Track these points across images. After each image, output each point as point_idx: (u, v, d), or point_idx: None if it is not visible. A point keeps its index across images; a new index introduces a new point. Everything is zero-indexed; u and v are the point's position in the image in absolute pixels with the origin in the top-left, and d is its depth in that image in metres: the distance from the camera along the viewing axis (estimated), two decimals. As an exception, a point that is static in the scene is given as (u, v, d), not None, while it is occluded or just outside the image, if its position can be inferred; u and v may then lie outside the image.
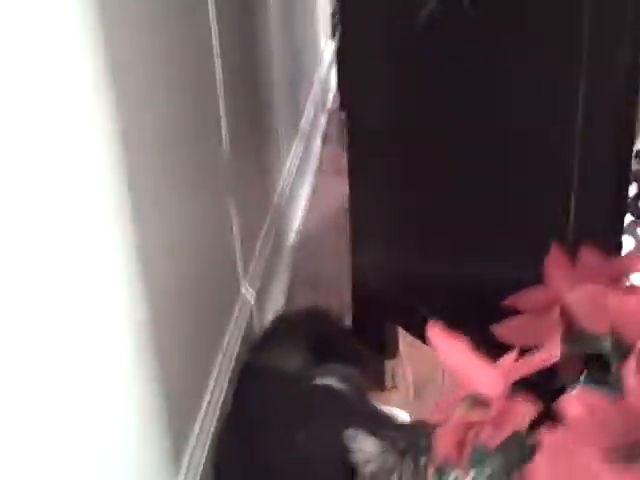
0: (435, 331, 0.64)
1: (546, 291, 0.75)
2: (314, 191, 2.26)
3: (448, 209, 1.20)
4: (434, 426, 0.87)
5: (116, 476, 0.72)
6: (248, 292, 1.36)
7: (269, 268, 1.48)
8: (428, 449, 0.87)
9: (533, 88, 0.99)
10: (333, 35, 3.74)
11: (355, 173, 1.33)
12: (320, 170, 2.44)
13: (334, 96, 3.10)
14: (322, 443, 1.05)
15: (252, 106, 1.41)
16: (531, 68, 0.98)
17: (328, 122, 2.86)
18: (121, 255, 0.70)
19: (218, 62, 1.00)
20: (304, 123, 2.26)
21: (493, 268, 1.19)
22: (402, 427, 0.96)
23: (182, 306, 0.92)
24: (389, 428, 0.95)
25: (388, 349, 1.40)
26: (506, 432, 0.57)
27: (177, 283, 0.89)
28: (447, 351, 0.64)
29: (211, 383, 1.07)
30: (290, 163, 1.94)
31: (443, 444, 0.64)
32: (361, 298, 1.40)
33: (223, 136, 1.11)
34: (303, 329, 1.29)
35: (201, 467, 1.02)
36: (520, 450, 0.61)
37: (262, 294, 1.40)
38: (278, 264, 1.60)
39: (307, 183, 2.19)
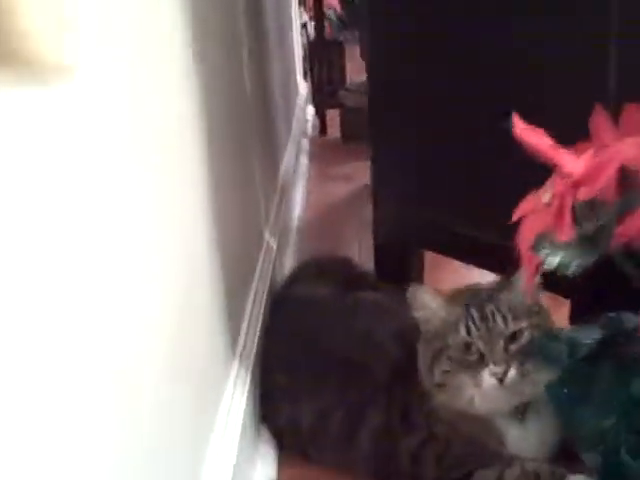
0: (520, 125, 0.70)
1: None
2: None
3: (468, 159, 1.23)
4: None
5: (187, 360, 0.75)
6: (270, 239, 1.42)
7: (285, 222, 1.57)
8: (492, 300, 0.91)
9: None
10: (305, 76, 3.97)
11: (375, 126, 1.39)
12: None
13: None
14: (375, 323, 1.08)
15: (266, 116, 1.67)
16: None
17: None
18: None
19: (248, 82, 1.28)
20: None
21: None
22: (460, 289, 0.97)
23: (229, 243, 1.01)
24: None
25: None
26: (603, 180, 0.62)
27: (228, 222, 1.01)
28: (533, 139, 0.69)
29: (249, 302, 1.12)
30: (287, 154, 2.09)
31: (530, 229, 0.68)
32: (382, 248, 1.45)
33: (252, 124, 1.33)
34: (329, 269, 1.32)
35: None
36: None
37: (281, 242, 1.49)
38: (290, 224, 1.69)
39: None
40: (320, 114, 3.39)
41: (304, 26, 4.31)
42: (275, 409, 1.07)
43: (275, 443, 1.07)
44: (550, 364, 0.79)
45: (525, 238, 0.70)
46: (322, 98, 3.42)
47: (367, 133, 1.52)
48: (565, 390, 0.78)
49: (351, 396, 1.00)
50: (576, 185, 0.66)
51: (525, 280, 0.73)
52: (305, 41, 4.12)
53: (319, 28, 3.37)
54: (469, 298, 0.93)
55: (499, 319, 0.89)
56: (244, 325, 1.08)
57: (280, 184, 1.84)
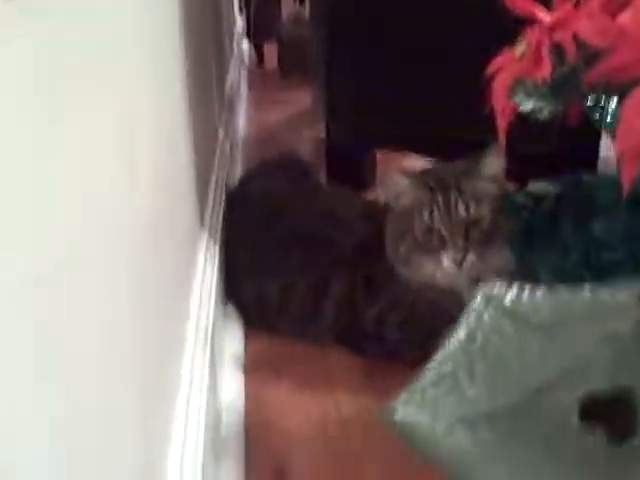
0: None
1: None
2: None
3: (417, 73, 1.29)
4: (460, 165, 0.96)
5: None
6: (224, 138, 1.44)
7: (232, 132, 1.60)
8: (457, 186, 0.95)
9: None
10: (241, 11, 3.93)
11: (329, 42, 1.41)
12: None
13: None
14: (339, 202, 1.11)
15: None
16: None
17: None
18: None
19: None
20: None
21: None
22: (429, 170, 1.01)
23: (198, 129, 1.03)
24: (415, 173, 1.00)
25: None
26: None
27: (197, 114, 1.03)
28: None
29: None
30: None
31: (504, 80, 0.72)
32: (334, 150, 1.48)
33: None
34: (281, 167, 1.33)
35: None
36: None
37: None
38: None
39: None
40: (257, 46, 3.38)
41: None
42: (240, 286, 1.09)
43: (242, 319, 1.09)
44: (513, 217, 0.84)
45: (499, 88, 0.74)
46: (258, 31, 3.40)
47: (307, 64, 1.55)
48: (528, 246, 0.83)
49: (315, 269, 1.03)
50: (552, 29, 0.70)
51: (499, 130, 0.77)
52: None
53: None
54: (436, 182, 0.96)
55: (461, 206, 0.93)
56: (209, 201, 1.09)
57: (227, 93, 1.86)
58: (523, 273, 0.86)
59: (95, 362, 0.41)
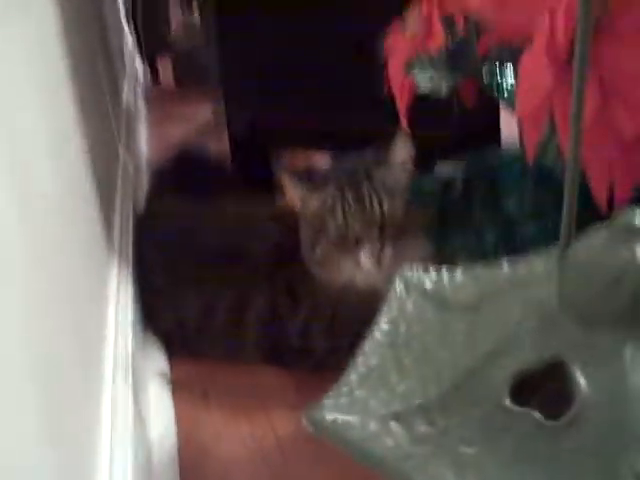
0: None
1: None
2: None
3: (310, 69, 1.28)
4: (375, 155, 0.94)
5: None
6: (125, 155, 1.40)
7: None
8: (368, 180, 0.93)
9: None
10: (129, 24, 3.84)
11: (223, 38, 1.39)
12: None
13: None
14: (248, 208, 1.08)
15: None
16: None
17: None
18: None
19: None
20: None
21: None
22: (337, 164, 0.98)
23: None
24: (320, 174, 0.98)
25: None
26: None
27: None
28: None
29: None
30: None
31: (399, 60, 0.71)
32: (238, 160, 1.45)
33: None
34: (190, 177, 1.29)
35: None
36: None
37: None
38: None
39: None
40: (150, 63, 3.29)
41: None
42: (157, 313, 1.04)
43: (163, 346, 1.04)
44: (425, 202, 0.83)
45: (394, 67, 0.73)
46: (150, 46, 3.32)
47: (203, 73, 1.53)
48: (444, 233, 0.82)
49: (234, 284, 0.99)
50: (441, 1, 0.69)
51: (400, 111, 0.75)
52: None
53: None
54: (346, 177, 0.94)
55: (374, 201, 0.91)
56: (116, 224, 1.05)
57: (124, 109, 1.81)
58: (441, 261, 0.86)
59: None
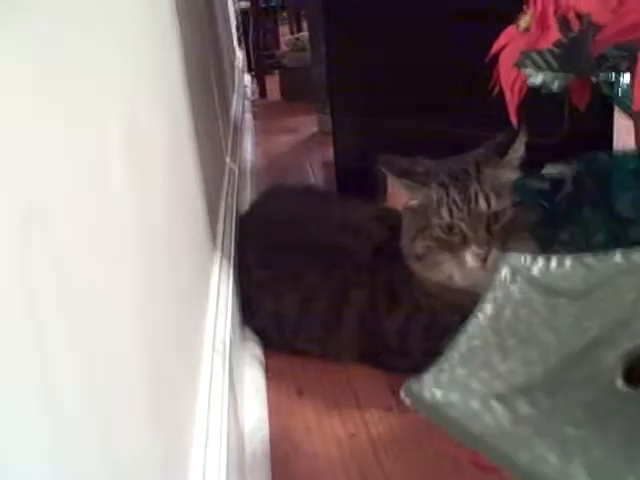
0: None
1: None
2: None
3: (420, 78, 1.28)
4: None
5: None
6: (231, 164, 1.44)
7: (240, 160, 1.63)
8: (477, 178, 0.91)
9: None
10: (240, 44, 3.97)
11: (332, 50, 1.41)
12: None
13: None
14: (350, 210, 1.08)
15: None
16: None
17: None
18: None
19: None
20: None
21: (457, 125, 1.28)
22: (440, 163, 0.96)
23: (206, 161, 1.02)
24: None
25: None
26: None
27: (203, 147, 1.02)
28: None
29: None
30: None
31: (511, 55, 0.70)
32: (343, 167, 1.46)
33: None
34: (292, 191, 1.31)
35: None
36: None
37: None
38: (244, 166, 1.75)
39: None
40: (259, 78, 3.39)
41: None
42: (256, 307, 1.06)
43: (260, 341, 1.05)
44: (532, 203, 0.80)
45: (506, 63, 0.71)
46: (260, 63, 3.42)
47: (309, 88, 1.55)
48: (551, 233, 0.79)
49: (333, 281, 1.00)
50: None
51: (509, 108, 0.73)
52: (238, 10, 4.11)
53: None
54: (449, 176, 0.92)
55: (481, 200, 0.89)
56: (220, 224, 1.07)
57: (232, 124, 1.87)
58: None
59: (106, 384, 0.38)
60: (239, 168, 1.60)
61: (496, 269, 0.47)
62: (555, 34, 0.66)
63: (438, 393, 0.35)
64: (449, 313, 0.93)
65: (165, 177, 0.67)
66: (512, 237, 0.88)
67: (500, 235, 0.88)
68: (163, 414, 0.52)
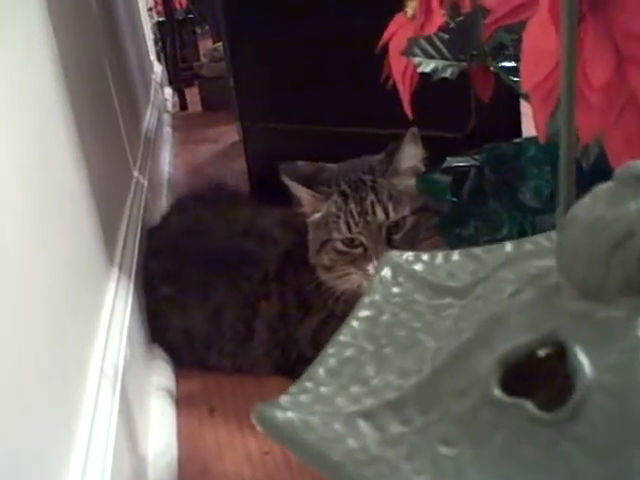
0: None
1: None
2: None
3: (323, 78, 1.25)
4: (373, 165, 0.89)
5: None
6: (139, 176, 1.38)
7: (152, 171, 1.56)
8: (373, 188, 0.88)
9: None
10: (159, 58, 3.90)
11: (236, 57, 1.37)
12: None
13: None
14: (256, 215, 1.03)
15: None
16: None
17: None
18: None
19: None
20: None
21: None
22: (341, 169, 0.94)
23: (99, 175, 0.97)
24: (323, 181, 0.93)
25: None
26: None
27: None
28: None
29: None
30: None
31: (400, 44, 0.66)
32: (256, 175, 1.41)
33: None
34: (205, 196, 1.26)
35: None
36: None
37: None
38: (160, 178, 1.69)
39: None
40: (178, 91, 3.32)
41: (150, 10, 4.23)
42: (164, 323, 1.00)
43: (170, 359, 1.00)
44: (437, 198, 0.77)
45: (394, 52, 0.68)
46: (178, 75, 3.35)
47: (226, 99, 1.51)
48: (457, 230, 0.76)
49: (242, 291, 0.95)
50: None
51: (404, 101, 0.70)
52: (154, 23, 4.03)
53: (167, 7, 3.32)
54: (349, 185, 0.89)
55: (379, 210, 0.86)
56: (120, 239, 1.01)
57: (143, 135, 1.81)
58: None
59: None
60: (150, 181, 1.54)
61: (377, 270, 0.43)
62: (440, 18, 0.62)
63: (295, 416, 0.31)
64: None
65: (25, 196, 0.60)
66: (417, 245, 0.86)
67: (402, 245, 0.85)
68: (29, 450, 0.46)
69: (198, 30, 4.34)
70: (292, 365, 0.93)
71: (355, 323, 0.37)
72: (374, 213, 0.86)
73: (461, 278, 0.39)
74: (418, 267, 0.41)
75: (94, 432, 0.59)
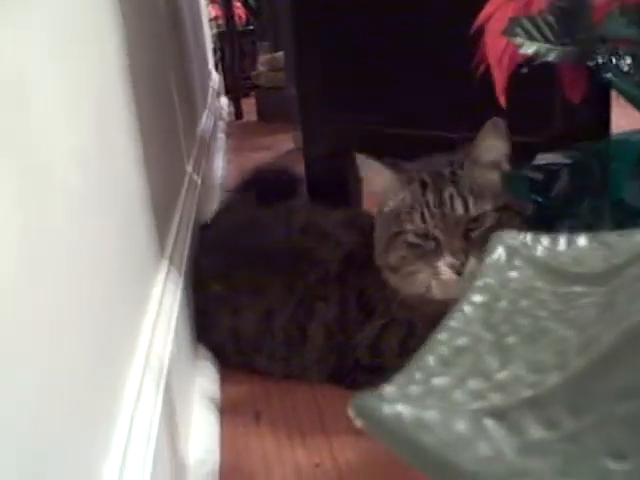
0: None
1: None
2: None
3: (389, 78, 1.19)
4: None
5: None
6: (193, 173, 1.35)
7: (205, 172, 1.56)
8: (452, 179, 0.81)
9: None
10: (217, 68, 3.91)
11: (301, 45, 1.32)
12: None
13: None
14: (318, 215, 0.97)
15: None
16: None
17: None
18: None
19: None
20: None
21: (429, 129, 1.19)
22: (420, 161, 0.85)
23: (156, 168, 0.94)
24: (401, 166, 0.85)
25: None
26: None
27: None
28: None
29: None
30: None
31: (498, 27, 0.60)
32: (314, 178, 1.35)
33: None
34: (255, 193, 1.20)
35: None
36: None
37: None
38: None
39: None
40: (235, 101, 3.30)
41: (211, 20, 4.25)
42: (213, 322, 0.94)
43: (215, 360, 0.93)
44: (523, 197, 0.70)
45: (492, 34, 0.61)
46: (235, 85, 3.34)
47: (283, 109, 1.46)
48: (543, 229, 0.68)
49: (298, 292, 0.89)
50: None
51: (497, 85, 0.63)
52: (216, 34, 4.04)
53: (228, 18, 3.32)
54: (429, 175, 0.81)
55: (458, 204, 0.78)
56: (171, 234, 0.96)
57: (199, 136, 1.79)
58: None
59: None
60: (203, 181, 1.50)
61: (488, 251, 0.36)
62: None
63: (405, 411, 0.24)
64: (427, 326, 0.82)
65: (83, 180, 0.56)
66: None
67: (480, 243, 0.77)
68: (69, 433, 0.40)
69: (258, 45, 4.35)
70: (347, 373, 0.86)
71: (468, 308, 0.31)
72: (452, 206, 0.78)
73: (590, 264, 0.32)
74: (538, 251, 0.34)
75: (133, 431, 0.53)
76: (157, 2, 1.29)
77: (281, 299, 0.88)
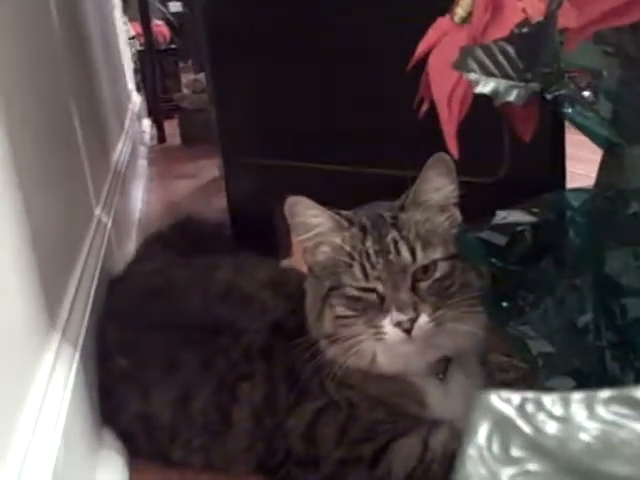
0: None
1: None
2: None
3: (323, 109, 1.08)
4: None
5: None
6: (102, 215, 1.20)
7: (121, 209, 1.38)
8: (394, 224, 0.69)
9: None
10: (139, 89, 3.75)
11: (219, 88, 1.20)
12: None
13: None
14: (239, 275, 0.84)
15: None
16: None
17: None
18: None
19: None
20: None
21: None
22: (356, 212, 0.73)
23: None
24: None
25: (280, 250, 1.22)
26: None
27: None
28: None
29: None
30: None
31: (443, 57, 0.49)
32: (237, 206, 1.23)
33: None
34: (177, 238, 1.08)
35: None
36: None
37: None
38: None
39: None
40: (157, 123, 3.14)
41: (132, 38, 4.09)
42: (119, 404, 0.80)
43: (124, 449, 0.79)
44: (477, 261, 0.59)
45: (438, 66, 0.50)
46: (157, 107, 3.18)
47: (208, 132, 1.36)
48: (504, 303, 0.57)
49: (218, 369, 0.76)
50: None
51: (445, 129, 0.51)
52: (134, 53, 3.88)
53: (148, 38, 3.16)
54: (369, 219, 0.70)
55: (404, 250, 0.66)
56: (69, 295, 0.82)
57: (112, 169, 1.63)
58: (504, 341, 0.61)
59: None
60: (116, 220, 1.35)
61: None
62: (517, 15, 0.44)
63: None
64: (371, 409, 0.70)
65: None
66: (447, 300, 0.66)
67: (429, 296, 0.66)
68: None
69: (181, 63, 4.20)
70: (279, 465, 0.73)
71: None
72: (398, 252, 0.66)
73: (575, 451, 0.21)
74: (548, 429, 0.22)
75: None
76: (47, 20, 1.14)
77: (198, 378, 0.75)
